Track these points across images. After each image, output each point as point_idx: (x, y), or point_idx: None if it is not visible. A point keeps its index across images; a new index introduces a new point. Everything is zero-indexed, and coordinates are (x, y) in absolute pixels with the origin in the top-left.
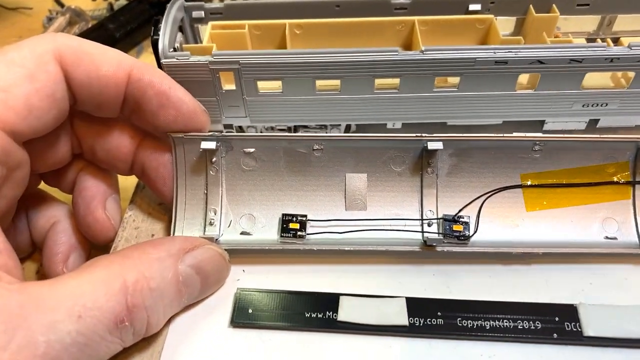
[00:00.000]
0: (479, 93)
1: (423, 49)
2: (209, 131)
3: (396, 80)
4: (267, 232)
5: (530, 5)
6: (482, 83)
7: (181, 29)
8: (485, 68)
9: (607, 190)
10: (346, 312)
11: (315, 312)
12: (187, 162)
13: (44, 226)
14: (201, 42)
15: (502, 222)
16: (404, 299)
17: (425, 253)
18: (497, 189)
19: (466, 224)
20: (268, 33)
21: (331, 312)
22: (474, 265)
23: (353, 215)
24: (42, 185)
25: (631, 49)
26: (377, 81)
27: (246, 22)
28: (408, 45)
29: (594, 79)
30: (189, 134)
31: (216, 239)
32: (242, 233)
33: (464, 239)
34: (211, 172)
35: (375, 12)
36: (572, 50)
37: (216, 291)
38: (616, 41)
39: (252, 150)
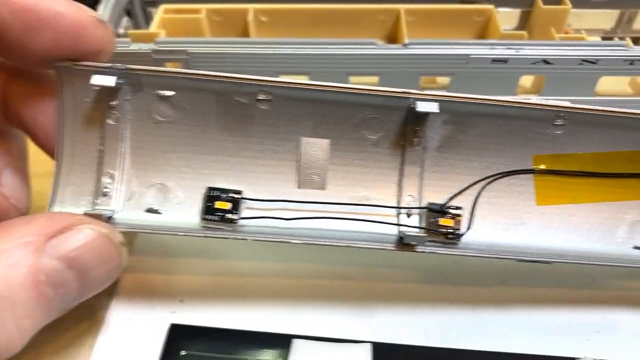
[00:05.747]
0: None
1: (406, 42)
2: (112, 62)
3: (374, 79)
4: (184, 212)
5: None
6: (476, 85)
7: (129, 12)
8: (481, 67)
9: None
10: None
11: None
12: (78, 106)
13: None
14: None
15: (505, 217)
16: (370, 345)
17: (396, 256)
18: (502, 172)
19: (458, 217)
20: (230, 20)
21: None
22: (457, 304)
23: (307, 196)
24: None
25: None
26: (353, 79)
27: (204, 7)
28: (393, 38)
29: (610, 84)
30: (80, 63)
31: (109, 217)
32: (148, 210)
33: (453, 237)
34: (110, 120)
35: None
36: (584, 49)
37: (143, 322)
38: (636, 41)
39: (170, 93)
